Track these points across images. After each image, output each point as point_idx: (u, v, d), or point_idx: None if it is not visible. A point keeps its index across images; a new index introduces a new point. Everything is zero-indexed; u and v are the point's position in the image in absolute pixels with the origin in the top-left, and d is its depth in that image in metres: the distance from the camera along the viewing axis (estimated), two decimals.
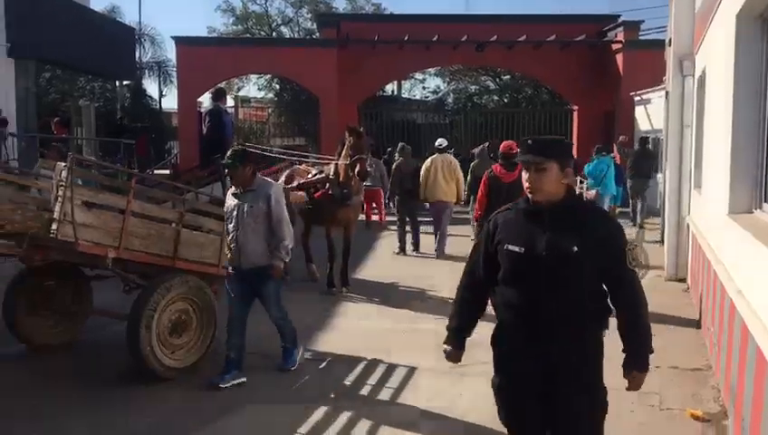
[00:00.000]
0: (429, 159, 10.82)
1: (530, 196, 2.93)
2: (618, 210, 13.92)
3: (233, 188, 5.39)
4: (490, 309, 3.16)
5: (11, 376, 5.43)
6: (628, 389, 2.93)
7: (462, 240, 10.78)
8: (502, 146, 7.76)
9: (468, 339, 6.52)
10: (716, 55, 5.73)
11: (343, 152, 8.14)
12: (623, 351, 2.91)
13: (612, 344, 2.94)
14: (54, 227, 4.72)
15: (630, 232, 13.01)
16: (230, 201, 5.35)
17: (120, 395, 4.98)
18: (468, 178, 11.08)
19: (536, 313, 2.86)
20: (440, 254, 10.64)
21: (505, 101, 30.29)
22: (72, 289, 6.09)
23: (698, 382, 5.17)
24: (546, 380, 2.89)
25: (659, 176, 15.19)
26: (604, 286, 2.90)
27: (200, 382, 5.14)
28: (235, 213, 5.24)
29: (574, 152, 19.81)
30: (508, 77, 30.20)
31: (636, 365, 2.90)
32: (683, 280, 8.65)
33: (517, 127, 20.86)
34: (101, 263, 5.02)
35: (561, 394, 2.89)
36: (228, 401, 4.85)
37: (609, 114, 19.10)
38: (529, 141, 2.93)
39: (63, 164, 4.99)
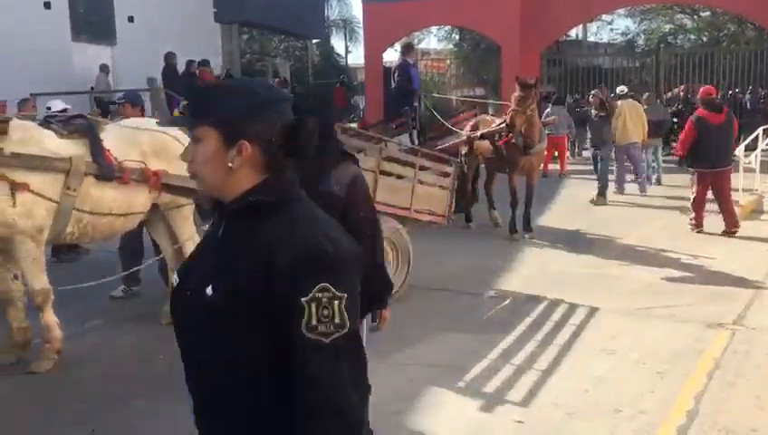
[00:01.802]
0: (618, 105, 11.38)
1: None
2: None
3: None
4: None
5: None
6: None
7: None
8: (701, 92, 8.58)
9: (662, 283, 6.62)
10: None
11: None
12: None
13: None
14: None
15: None
16: None
17: None
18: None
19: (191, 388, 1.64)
20: (643, 190, 11.50)
21: (704, 40, 27.96)
22: None
23: None
24: None
25: None
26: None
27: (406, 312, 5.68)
28: None
29: None
30: (708, 13, 27.77)
31: None
32: None
33: (717, 68, 19.35)
34: None
35: None
36: (428, 329, 5.33)
37: None
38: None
39: None
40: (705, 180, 8.34)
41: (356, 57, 31.75)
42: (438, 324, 5.47)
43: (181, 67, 14.23)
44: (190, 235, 5.51)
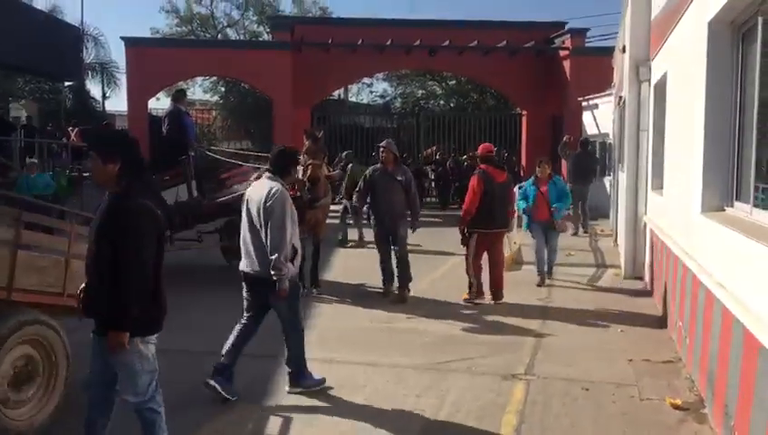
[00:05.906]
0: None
1: None
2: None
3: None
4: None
5: None
6: None
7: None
8: (483, 148, 8.03)
9: (452, 335, 6.63)
10: (683, 60, 6.00)
11: (300, 157, 8.18)
12: None
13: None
14: None
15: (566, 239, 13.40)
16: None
17: None
18: (346, 181, 12.12)
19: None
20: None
21: (452, 105, 30.73)
22: None
23: (671, 374, 5.40)
24: None
25: (606, 179, 15.72)
26: None
27: (201, 379, 5.07)
28: None
29: (522, 156, 20.41)
30: (454, 82, 30.65)
31: None
32: (640, 278, 8.98)
33: (465, 131, 21.20)
34: None
35: None
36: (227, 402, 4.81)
37: (557, 119, 19.63)
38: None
39: None
40: (485, 242, 7.72)
41: (114, 104, 29.86)
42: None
43: None
44: None
